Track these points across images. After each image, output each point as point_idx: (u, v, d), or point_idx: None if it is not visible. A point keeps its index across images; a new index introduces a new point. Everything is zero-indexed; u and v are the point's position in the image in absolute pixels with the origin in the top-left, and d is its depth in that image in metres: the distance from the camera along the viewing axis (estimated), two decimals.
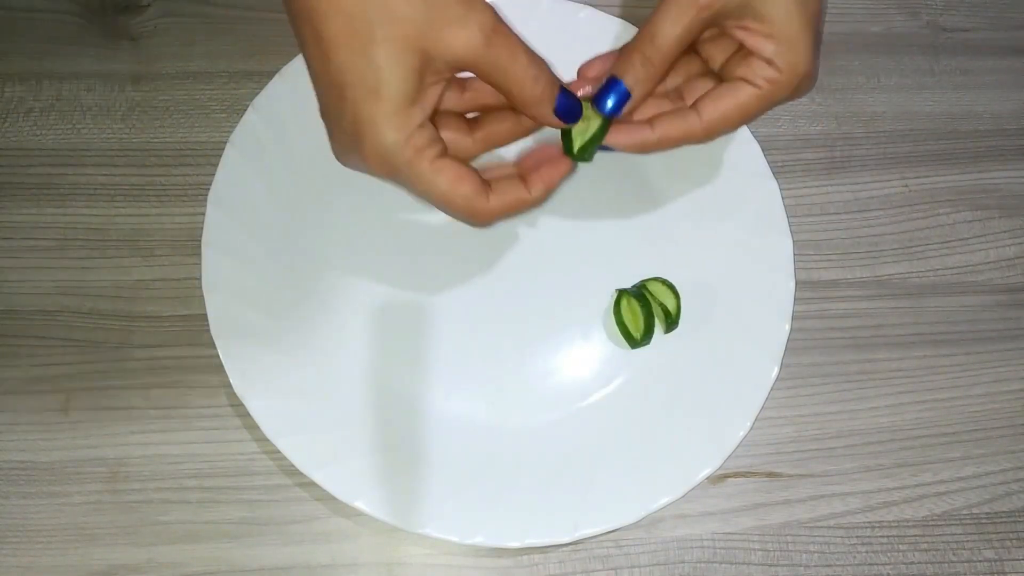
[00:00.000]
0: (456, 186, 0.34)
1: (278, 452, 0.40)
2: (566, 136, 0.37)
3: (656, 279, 0.45)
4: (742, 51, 0.37)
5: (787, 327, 0.44)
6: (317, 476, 0.39)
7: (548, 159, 0.38)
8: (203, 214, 0.42)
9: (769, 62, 0.36)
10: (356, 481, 0.40)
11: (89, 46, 0.48)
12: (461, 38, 0.32)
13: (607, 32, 0.48)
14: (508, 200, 0.36)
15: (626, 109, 0.37)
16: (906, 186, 0.50)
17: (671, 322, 0.44)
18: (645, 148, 0.38)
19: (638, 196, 0.47)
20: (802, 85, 0.37)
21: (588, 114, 0.37)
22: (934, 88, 0.52)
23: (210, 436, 0.42)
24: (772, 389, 0.43)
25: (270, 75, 0.45)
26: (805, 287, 0.47)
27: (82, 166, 0.46)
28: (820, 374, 0.46)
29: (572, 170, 0.38)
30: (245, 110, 0.44)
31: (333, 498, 0.39)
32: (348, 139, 0.34)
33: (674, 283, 0.45)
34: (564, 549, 0.42)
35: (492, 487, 0.41)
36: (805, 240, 0.48)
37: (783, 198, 0.46)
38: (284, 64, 0.45)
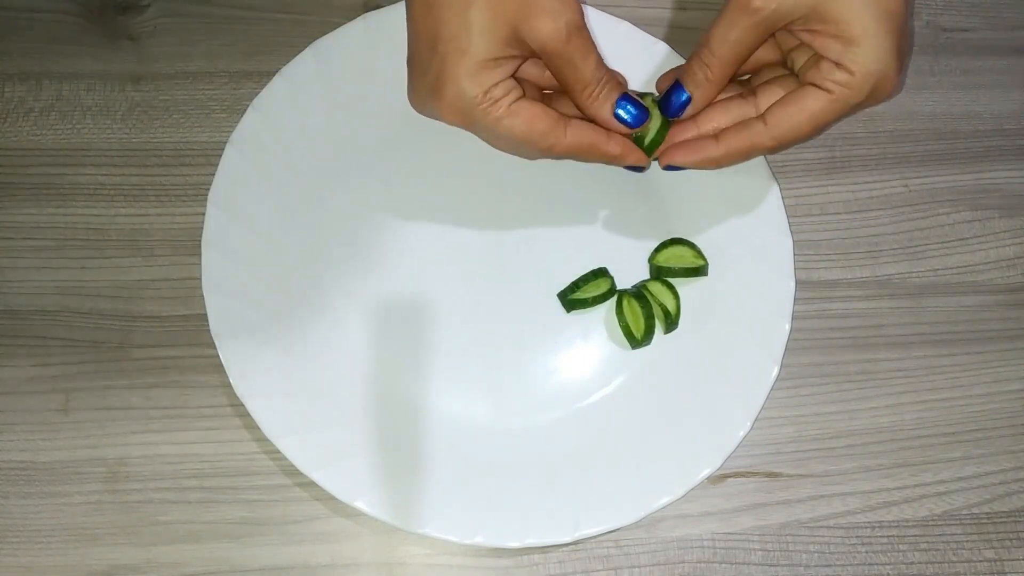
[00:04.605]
0: (533, 124, 0.36)
1: (278, 452, 0.40)
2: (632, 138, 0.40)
3: (656, 279, 0.45)
4: (814, 55, 0.37)
5: (787, 327, 0.44)
6: (317, 476, 0.39)
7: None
8: (203, 214, 0.42)
9: (838, 64, 0.35)
10: (356, 481, 0.40)
11: (89, 46, 0.48)
12: (548, 28, 0.34)
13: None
14: (586, 139, 0.38)
15: (688, 112, 0.39)
16: (906, 186, 0.50)
17: (671, 322, 0.44)
18: (709, 162, 0.39)
19: (638, 197, 0.47)
20: (880, 87, 0.35)
21: (654, 114, 0.39)
22: (934, 88, 0.52)
23: (210, 436, 0.42)
24: (772, 389, 0.43)
25: (270, 75, 0.45)
26: (805, 287, 0.47)
27: (82, 166, 0.46)
28: (820, 374, 0.46)
29: (639, 164, 0.40)
30: (245, 110, 0.44)
31: (333, 498, 0.39)
32: (428, 89, 0.36)
33: (674, 283, 0.45)
34: (564, 549, 0.42)
35: (492, 487, 0.41)
36: (805, 240, 0.48)
37: (783, 198, 0.46)
38: (284, 64, 0.45)
